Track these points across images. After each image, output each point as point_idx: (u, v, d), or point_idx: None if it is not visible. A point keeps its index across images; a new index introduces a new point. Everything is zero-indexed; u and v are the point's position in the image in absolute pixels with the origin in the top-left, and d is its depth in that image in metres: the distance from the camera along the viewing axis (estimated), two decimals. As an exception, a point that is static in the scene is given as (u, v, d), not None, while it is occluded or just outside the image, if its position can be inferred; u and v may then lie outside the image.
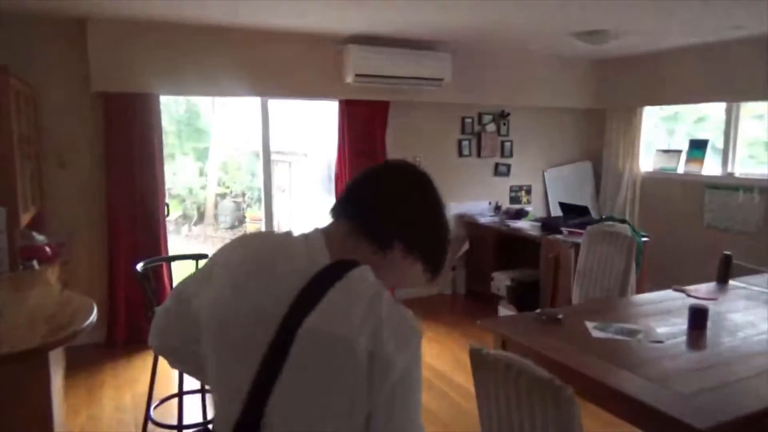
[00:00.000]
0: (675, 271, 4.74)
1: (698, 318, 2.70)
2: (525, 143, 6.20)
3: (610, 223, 4.73)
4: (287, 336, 0.90)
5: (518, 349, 2.46)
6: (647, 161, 6.10)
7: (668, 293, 3.32)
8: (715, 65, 5.11)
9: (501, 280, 5.44)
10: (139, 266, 2.97)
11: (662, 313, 2.95)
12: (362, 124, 5.22)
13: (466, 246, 5.88)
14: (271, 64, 4.78)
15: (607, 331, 2.60)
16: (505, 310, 5.29)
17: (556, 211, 6.33)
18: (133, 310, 4.49)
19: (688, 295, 3.25)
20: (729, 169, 5.31)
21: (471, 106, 5.79)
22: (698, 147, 5.60)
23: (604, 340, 2.51)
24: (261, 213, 11.44)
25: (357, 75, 4.86)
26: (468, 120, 5.85)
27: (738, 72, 4.95)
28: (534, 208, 6.18)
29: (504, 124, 6.02)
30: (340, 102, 5.18)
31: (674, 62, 5.44)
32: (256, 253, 1.03)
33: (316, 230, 1.05)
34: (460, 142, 5.86)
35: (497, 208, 6.08)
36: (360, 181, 1.10)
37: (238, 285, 0.98)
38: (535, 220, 5.66)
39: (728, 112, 5.32)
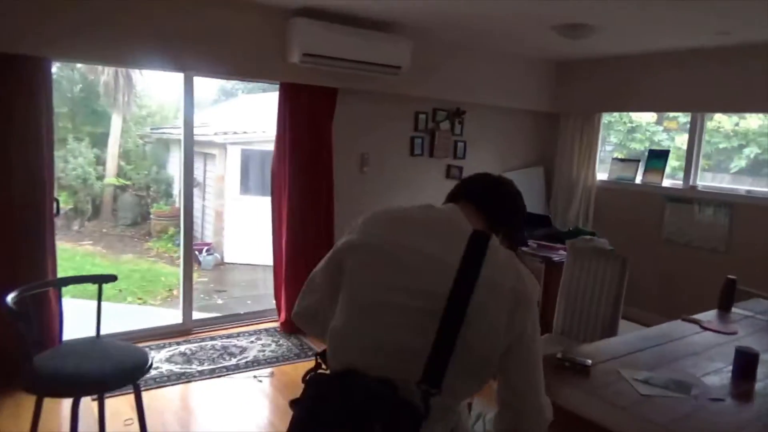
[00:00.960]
0: (630, 288, 4.41)
1: (746, 365, 2.25)
2: (478, 145, 5.71)
3: (589, 237, 4.33)
4: (470, 279, 1.20)
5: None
6: (603, 170, 5.81)
7: (679, 325, 2.89)
8: (683, 74, 4.86)
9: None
10: (11, 297, 2.08)
11: (691, 355, 2.49)
12: (307, 113, 4.46)
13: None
14: (199, 33, 3.91)
15: (653, 384, 2.07)
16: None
17: (506, 219, 5.90)
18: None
19: (703, 327, 2.84)
20: (691, 182, 5.09)
21: (426, 101, 5.20)
22: (658, 157, 5.36)
23: (656, 399, 1.98)
24: (172, 209, 10.19)
25: (305, 54, 4.10)
26: (422, 116, 5.25)
27: (707, 82, 4.71)
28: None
29: (459, 122, 5.49)
30: (282, 86, 4.39)
31: (640, 68, 5.15)
32: (420, 219, 1.37)
33: (453, 205, 1.43)
34: (412, 139, 5.25)
35: (448, 214, 5.53)
36: (486, 185, 1.52)
37: (405, 242, 1.29)
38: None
39: (693, 123, 5.10)
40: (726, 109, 4.83)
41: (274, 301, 4.75)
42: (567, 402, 1.94)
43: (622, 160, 5.69)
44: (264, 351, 4.18)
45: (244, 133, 8.97)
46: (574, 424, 1.84)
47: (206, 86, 12.56)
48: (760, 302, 3.47)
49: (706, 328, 2.82)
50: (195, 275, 7.69)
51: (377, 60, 4.41)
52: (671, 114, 5.68)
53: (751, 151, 5.22)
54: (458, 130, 5.50)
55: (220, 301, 7.27)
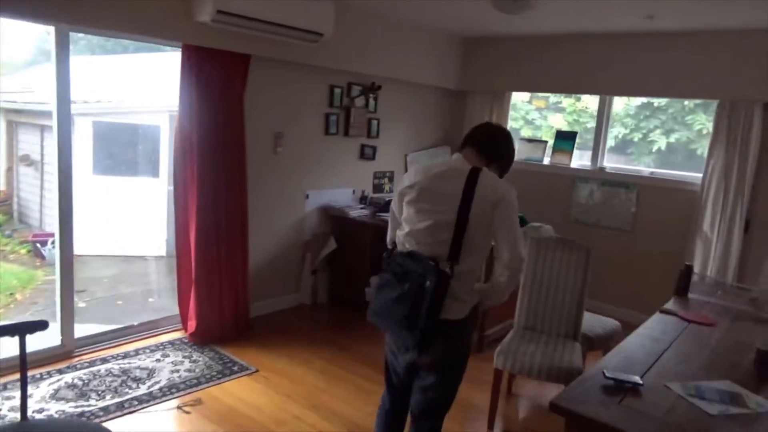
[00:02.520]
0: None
1: (770, 364, 2.21)
2: (391, 123, 5.34)
3: (537, 224, 4.20)
4: (468, 200, 1.97)
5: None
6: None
7: (662, 318, 2.84)
8: (594, 57, 4.92)
9: (381, 287, 4.54)
10: None
11: (703, 354, 2.41)
12: (216, 84, 3.73)
13: (331, 245, 4.81)
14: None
15: (710, 401, 1.92)
16: (391, 324, 4.41)
17: (416, 201, 5.66)
18: None
19: (684, 319, 2.81)
20: (599, 164, 5.24)
21: (341, 74, 4.69)
22: (566, 138, 5.44)
23: (728, 421, 1.82)
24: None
25: (219, 12, 3.37)
26: (337, 90, 4.73)
27: (613, 66, 4.82)
28: (397, 197, 5.38)
29: (374, 98, 5.06)
30: (187, 49, 3.60)
31: (551, 49, 5.13)
32: (432, 171, 2.11)
33: (459, 155, 2.13)
34: (327, 116, 4.71)
35: (363, 197, 5.13)
36: (483, 132, 2.19)
37: (431, 183, 2.07)
38: (411, 213, 4.89)
39: (601, 105, 5.22)
40: (633, 93, 4.99)
41: (178, 307, 4.00)
42: (626, 425, 1.71)
43: (530, 140, 5.70)
44: (178, 371, 3.48)
45: (97, 102, 7.61)
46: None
47: (25, 39, 10.48)
48: (697, 284, 3.60)
49: (687, 320, 2.80)
50: (40, 273, 6.39)
51: (299, 24, 3.81)
52: (540, 94, 5.76)
53: (619, 131, 5.53)
54: (372, 106, 5.07)
55: (81, 305, 6.11)
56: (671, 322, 2.77)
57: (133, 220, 6.63)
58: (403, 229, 2.11)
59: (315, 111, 4.63)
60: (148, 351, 3.72)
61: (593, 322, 3.53)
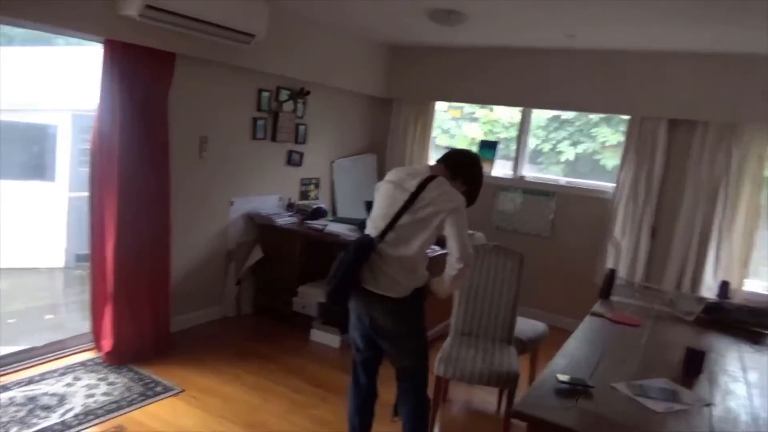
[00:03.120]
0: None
1: (697, 361, 2.36)
2: (318, 129, 5.25)
3: (470, 232, 4.26)
4: (413, 199, 2.31)
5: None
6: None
7: (593, 321, 2.97)
8: (515, 70, 5.12)
9: (310, 296, 4.44)
10: None
11: (635, 354, 2.55)
12: (141, 83, 3.49)
13: (257, 254, 4.64)
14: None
15: (655, 399, 2.02)
16: (322, 334, 4.32)
17: (342, 208, 5.61)
18: None
19: (612, 321, 2.97)
20: (519, 173, 5.44)
21: (270, 77, 4.55)
22: (488, 147, 5.61)
23: (672, 417, 1.92)
24: None
25: (148, 7, 3.15)
26: (265, 94, 4.58)
27: (535, 80, 5.05)
28: (323, 204, 5.29)
29: (302, 103, 4.95)
30: (109, 45, 3.33)
31: (476, 61, 5.28)
32: (406, 170, 2.49)
33: (428, 165, 2.53)
34: (255, 121, 4.54)
35: (290, 205, 5.00)
36: (454, 152, 2.60)
37: (398, 180, 2.42)
38: (339, 220, 4.83)
39: (522, 117, 5.43)
40: (552, 106, 5.24)
41: (90, 325, 3.68)
42: (587, 428, 1.77)
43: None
44: (94, 396, 3.18)
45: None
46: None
47: None
48: (617, 287, 3.82)
49: (614, 321, 2.95)
50: None
51: (231, 24, 3.65)
52: (455, 104, 5.95)
53: (531, 142, 5.80)
54: (301, 111, 4.96)
55: (-36, 323, 5.48)
56: (601, 324, 2.91)
57: (24, 228, 6.04)
58: (371, 219, 2.49)
59: (242, 115, 4.46)
60: (56, 375, 3.38)
61: (523, 325, 3.63)
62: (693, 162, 4.55)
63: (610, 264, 4.84)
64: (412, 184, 2.34)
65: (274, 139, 4.74)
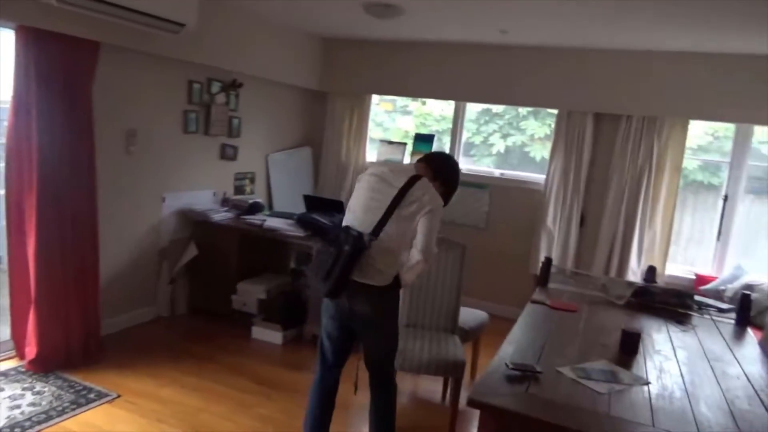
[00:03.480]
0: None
1: (633, 343, 2.49)
2: (253, 122, 5.12)
3: None
4: (403, 195, 2.40)
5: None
6: (372, 152, 5.88)
7: (534, 308, 3.07)
8: (450, 64, 5.19)
9: (250, 293, 4.34)
10: None
11: (574, 339, 2.66)
12: (61, 73, 3.26)
13: (192, 252, 4.47)
14: None
15: (597, 381, 2.11)
16: (263, 331, 4.24)
17: (278, 202, 5.51)
18: None
19: (552, 307, 3.08)
20: (455, 165, 5.53)
21: (201, 69, 4.38)
22: (424, 141, 5.66)
23: (615, 397, 2.01)
24: None
25: (68, -10, 2.95)
26: (196, 86, 4.40)
27: (469, 74, 5.14)
28: (258, 199, 5.17)
29: (235, 96, 4.80)
30: (23, 31, 3.09)
31: (411, 55, 5.30)
32: (388, 166, 2.60)
33: (412, 163, 2.63)
34: (186, 113, 4.37)
35: (225, 200, 4.85)
36: (436, 154, 2.85)
37: (382, 174, 2.51)
38: (277, 215, 4.73)
39: (456, 110, 5.52)
40: (485, 100, 5.35)
41: (10, 332, 3.43)
42: (539, 413, 1.83)
43: (390, 142, 5.84)
44: (20, 407, 2.97)
45: None
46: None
47: None
48: (552, 275, 3.97)
49: (554, 308, 3.06)
50: None
51: (159, 12, 3.47)
52: (387, 96, 6.00)
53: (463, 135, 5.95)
54: (234, 104, 4.82)
55: None
56: (542, 311, 3.01)
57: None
58: (350, 210, 2.54)
59: (173, 107, 4.28)
60: (-26, 387, 3.13)
61: (465, 315, 3.71)
62: (618, 153, 4.79)
63: (543, 252, 5.03)
64: (400, 181, 2.42)
65: (206, 132, 4.58)
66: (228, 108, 4.75)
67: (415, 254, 2.44)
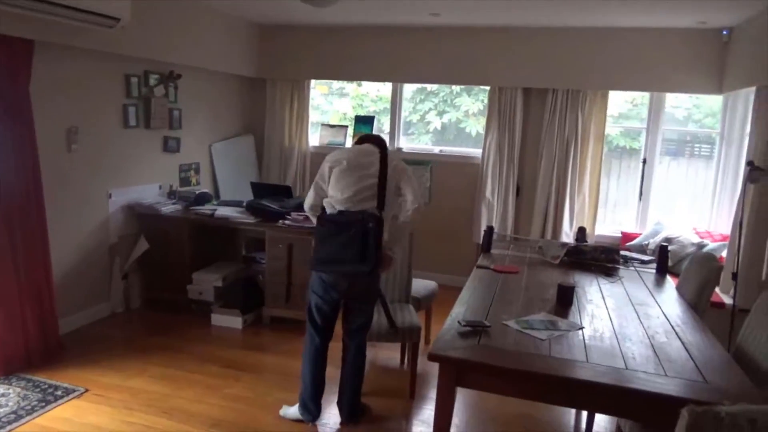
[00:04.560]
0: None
1: (568, 295, 2.79)
2: (193, 113, 5.13)
3: None
4: (384, 171, 2.80)
5: (491, 379, 2.00)
6: (314, 136, 6.00)
7: (480, 273, 3.33)
8: (385, 46, 5.36)
9: (206, 282, 4.42)
10: None
11: (520, 295, 2.93)
12: (-4, 73, 3.21)
13: (143, 246, 4.49)
14: None
15: (539, 329, 2.39)
16: (222, 317, 4.34)
17: (224, 191, 5.56)
18: None
19: (495, 271, 3.35)
20: (396, 144, 5.74)
21: (137, 62, 4.36)
22: (365, 123, 5.83)
23: (554, 341, 2.29)
24: None
25: (0, -10, 2.91)
26: (134, 79, 4.38)
27: (404, 55, 5.33)
28: (205, 189, 5.21)
29: (174, 87, 4.80)
30: (-48, 31, 3.03)
31: (347, 39, 5.44)
32: (351, 152, 2.93)
33: (369, 145, 2.92)
34: (125, 108, 4.34)
35: (172, 192, 4.87)
36: (375, 137, 2.96)
37: (354, 160, 2.85)
38: (225, 203, 4.80)
39: (394, 91, 5.70)
40: (421, 80, 5.56)
41: (-37, 338, 3.39)
42: (491, 360, 2.07)
43: (331, 126, 5.97)
44: (-14, 410, 2.98)
45: None
46: (501, 375, 2.05)
47: None
48: (494, 242, 4.26)
49: (498, 271, 3.34)
50: None
51: (92, 7, 3.45)
52: (322, 80, 6.12)
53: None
54: (173, 96, 4.82)
55: None
56: (487, 274, 3.28)
57: None
58: (334, 196, 2.80)
59: (112, 102, 4.25)
60: (-68, 395, 3.10)
61: (417, 285, 3.95)
62: (546, 125, 5.12)
63: (484, 222, 5.34)
64: (374, 160, 2.79)
65: (147, 126, 4.58)
66: (167, 100, 4.75)
67: (407, 206, 2.82)
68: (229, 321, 4.31)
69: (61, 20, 3.36)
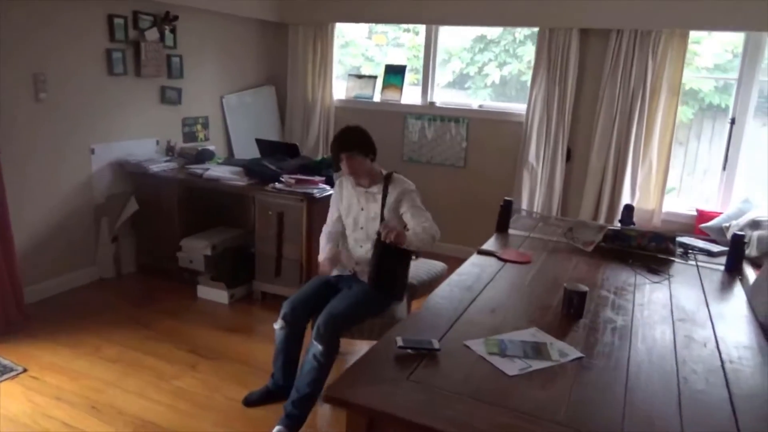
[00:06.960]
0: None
1: (577, 304, 2.03)
2: (199, 60, 4.62)
3: None
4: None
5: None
6: (340, 88, 5.34)
7: (479, 261, 2.62)
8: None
9: (195, 250, 3.97)
10: None
11: (515, 297, 2.21)
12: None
13: (132, 206, 4.10)
14: None
15: (512, 357, 1.68)
16: (209, 290, 3.90)
17: (239, 148, 5.07)
18: None
19: (501, 259, 2.62)
20: (429, 98, 4.97)
21: (123, 1, 3.87)
22: (395, 73, 5.09)
23: (527, 379, 1.57)
24: None
25: None
26: (119, 21, 3.91)
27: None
28: (215, 145, 4.74)
29: (170, 31, 4.29)
30: None
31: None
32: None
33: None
34: (109, 53, 3.89)
35: (170, 148, 4.43)
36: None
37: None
38: (228, 162, 4.30)
39: (428, 36, 4.90)
40: (457, 22, 4.72)
41: None
42: (406, 411, 1.40)
43: (359, 76, 5.28)
44: None
45: None
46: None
47: None
48: (523, 218, 3.49)
49: (503, 260, 2.60)
50: None
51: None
52: (379, 29, 5.39)
53: (456, 67, 5.34)
54: (171, 40, 4.31)
55: None
56: (488, 263, 2.56)
57: None
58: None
59: (91, 47, 3.80)
60: None
61: (419, 268, 3.28)
62: (608, 76, 4.16)
63: (526, 193, 4.52)
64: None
65: (138, 73, 4.11)
66: (163, 45, 4.25)
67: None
68: (216, 295, 3.86)
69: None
